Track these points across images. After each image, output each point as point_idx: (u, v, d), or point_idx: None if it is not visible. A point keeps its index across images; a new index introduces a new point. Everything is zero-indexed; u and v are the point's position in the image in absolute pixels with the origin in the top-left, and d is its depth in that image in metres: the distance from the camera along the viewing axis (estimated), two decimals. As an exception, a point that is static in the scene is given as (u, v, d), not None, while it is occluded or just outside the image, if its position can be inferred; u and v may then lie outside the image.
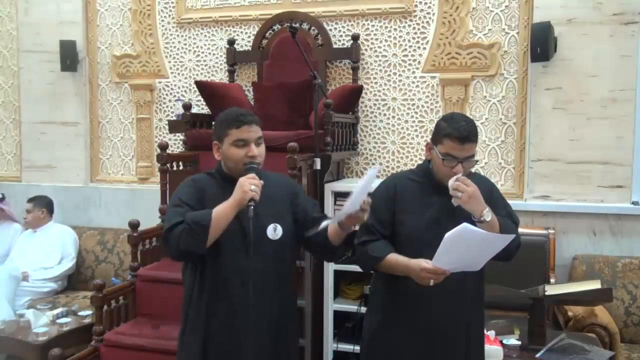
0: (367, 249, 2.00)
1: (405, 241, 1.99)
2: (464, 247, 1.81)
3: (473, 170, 2.06)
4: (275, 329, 1.95)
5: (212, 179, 2.01)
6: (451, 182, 1.88)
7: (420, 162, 2.18)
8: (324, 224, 1.90)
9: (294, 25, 3.59)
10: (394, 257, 1.95)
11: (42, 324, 3.35)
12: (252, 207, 1.80)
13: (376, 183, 2.13)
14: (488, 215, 1.88)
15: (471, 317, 2.07)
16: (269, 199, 1.91)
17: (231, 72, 4.17)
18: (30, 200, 4.24)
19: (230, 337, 1.90)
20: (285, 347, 2.03)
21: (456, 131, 1.89)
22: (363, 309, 3.10)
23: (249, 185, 1.80)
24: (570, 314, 3.06)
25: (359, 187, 1.81)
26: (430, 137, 2.06)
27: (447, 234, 1.78)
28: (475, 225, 1.86)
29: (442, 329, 2.00)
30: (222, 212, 1.81)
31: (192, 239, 1.78)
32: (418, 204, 2.01)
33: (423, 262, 1.86)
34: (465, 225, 1.78)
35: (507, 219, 2.03)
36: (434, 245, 1.89)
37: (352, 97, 3.75)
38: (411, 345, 2.02)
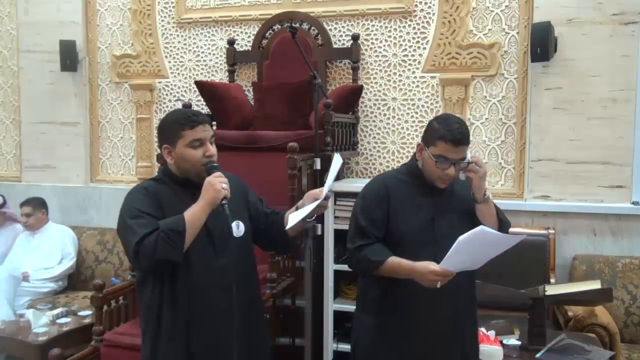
0: (366, 253, 1.97)
1: (400, 242, 1.97)
2: (475, 249, 1.82)
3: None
4: (245, 327, 1.93)
5: (162, 184, 1.94)
6: (469, 157, 1.94)
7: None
8: (291, 220, 1.91)
9: (294, 25, 3.58)
10: (396, 260, 1.93)
11: (42, 324, 3.34)
12: (226, 205, 1.80)
13: (362, 183, 2.14)
14: (488, 194, 1.97)
15: (466, 316, 2.07)
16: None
17: (231, 72, 4.17)
18: (26, 204, 4.13)
19: (211, 340, 1.87)
20: (257, 343, 2.02)
21: (450, 133, 1.89)
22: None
23: (220, 184, 1.80)
24: (570, 314, 3.06)
25: (331, 175, 1.91)
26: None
27: (462, 237, 1.77)
28: (464, 220, 1.95)
29: (438, 330, 2.00)
30: (194, 215, 1.79)
31: (170, 247, 1.74)
32: (410, 204, 2.00)
33: (431, 265, 1.85)
34: (482, 227, 1.80)
35: None
36: (429, 245, 1.89)
37: (352, 97, 3.75)
38: (409, 347, 2.01)
